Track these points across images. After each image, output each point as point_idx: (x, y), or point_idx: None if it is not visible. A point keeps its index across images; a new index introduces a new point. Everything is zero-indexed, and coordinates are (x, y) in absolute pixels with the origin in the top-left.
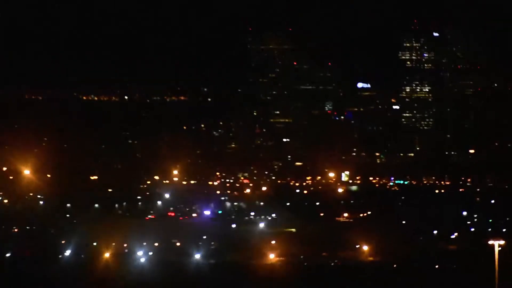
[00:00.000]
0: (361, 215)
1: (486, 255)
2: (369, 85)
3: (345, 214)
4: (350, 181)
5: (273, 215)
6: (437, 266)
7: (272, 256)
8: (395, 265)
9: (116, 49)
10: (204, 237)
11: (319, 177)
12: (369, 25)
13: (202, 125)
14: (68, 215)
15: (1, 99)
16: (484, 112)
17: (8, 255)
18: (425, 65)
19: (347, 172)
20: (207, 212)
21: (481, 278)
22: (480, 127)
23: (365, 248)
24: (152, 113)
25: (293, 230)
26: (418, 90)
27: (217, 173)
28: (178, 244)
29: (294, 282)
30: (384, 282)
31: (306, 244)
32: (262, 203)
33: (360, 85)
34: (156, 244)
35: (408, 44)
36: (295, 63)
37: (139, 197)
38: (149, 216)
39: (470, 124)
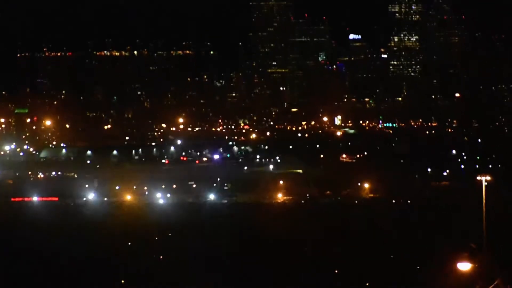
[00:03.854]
0: (359, 155)
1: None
2: (360, 36)
3: (344, 155)
4: (343, 125)
5: (278, 158)
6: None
7: (280, 196)
8: (393, 201)
9: (124, 9)
10: (218, 179)
11: (313, 122)
12: None
13: (205, 77)
14: (89, 161)
15: (24, 58)
16: (468, 59)
17: (36, 199)
18: (413, 16)
19: (340, 117)
20: (216, 156)
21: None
22: (464, 73)
23: (366, 186)
24: (159, 66)
25: (300, 171)
26: (406, 39)
27: (220, 120)
28: (194, 186)
29: (302, 219)
30: (383, 217)
31: (312, 184)
32: (266, 147)
33: (351, 36)
34: (174, 186)
35: None
36: (292, 18)
37: (153, 144)
38: (166, 161)
39: (455, 70)
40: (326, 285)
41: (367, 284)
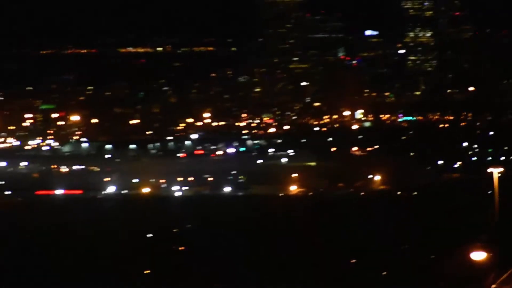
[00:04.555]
0: (371, 148)
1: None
2: (376, 32)
3: (354, 148)
4: (364, 119)
5: (292, 151)
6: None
7: (294, 188)
8: (401, 192)
9: (148, 7)
10: (233, 172)
11: (335, 116)
12: None
13: (229, 72)
14: (109, 155)
15: (49, 55)
16: (481, 53)
17: (60, 192)
18: (426, 12)
19: (361, 111)
20: (231, 150)
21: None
22: (478, 67)
23: (377, 178)
24: (183, 62)
25: (313, 164)
26: (421, 35)
27: (244, 115)
28: (210, 178)
29: (315, 211)
30: (394, 209)
31: (325, 176)
32: (281, 140)
33: (368, 32)
34: (190, 179)
35: None
36: (308, 14)
37: (172, 138)
38: (182, 154)
39: (470, 65)
40: (343, 275)
41: (384, 273)
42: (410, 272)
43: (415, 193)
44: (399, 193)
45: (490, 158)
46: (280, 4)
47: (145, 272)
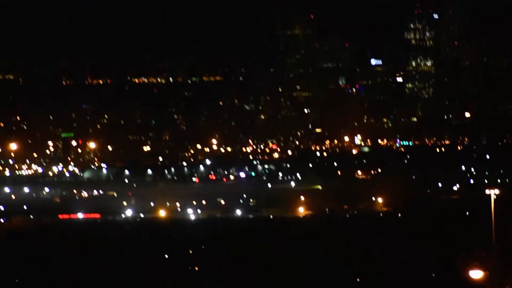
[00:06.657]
0: (374, 172)
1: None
2: (380, 61)
3: (359, 172)
4: (362, 144)
5: (299, 175)
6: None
7: (301, 210)
8: (404, 214)
9: (160, 39)
10: (244, 195)
11: (336, 141)
12: (379, 11)
13: (236, 101)
14: (127, 180)
15: (69, 86)
16: (477, 81)
17: (81, 216)
18: (427, 42)
19: (359, 136)
20: (242, 175)
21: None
22: (474, 94)
23: (380, 200)
24: (193, 91)
25: (319, 187)
26: (421, 64)
27: (250, 141)
28: (222, 202)
29: (322, 232)
30: (397, 229)
31: (330, 199)
32: (289, 165)
33: (373, 62)
34: (204, 202)
35: (412, 26)
36: (317, 45)
37: (185, 164)
38: (196, 179)
39: (466, 92)
40: None
41: None
42: None
43: (416, 213)
44: (399, 214)
45: (486, 180)
46: (291, 36)
47: None
